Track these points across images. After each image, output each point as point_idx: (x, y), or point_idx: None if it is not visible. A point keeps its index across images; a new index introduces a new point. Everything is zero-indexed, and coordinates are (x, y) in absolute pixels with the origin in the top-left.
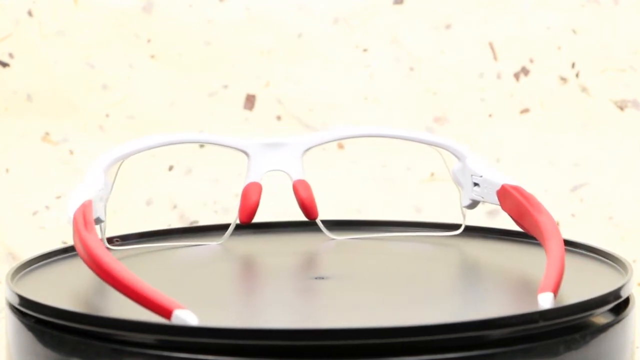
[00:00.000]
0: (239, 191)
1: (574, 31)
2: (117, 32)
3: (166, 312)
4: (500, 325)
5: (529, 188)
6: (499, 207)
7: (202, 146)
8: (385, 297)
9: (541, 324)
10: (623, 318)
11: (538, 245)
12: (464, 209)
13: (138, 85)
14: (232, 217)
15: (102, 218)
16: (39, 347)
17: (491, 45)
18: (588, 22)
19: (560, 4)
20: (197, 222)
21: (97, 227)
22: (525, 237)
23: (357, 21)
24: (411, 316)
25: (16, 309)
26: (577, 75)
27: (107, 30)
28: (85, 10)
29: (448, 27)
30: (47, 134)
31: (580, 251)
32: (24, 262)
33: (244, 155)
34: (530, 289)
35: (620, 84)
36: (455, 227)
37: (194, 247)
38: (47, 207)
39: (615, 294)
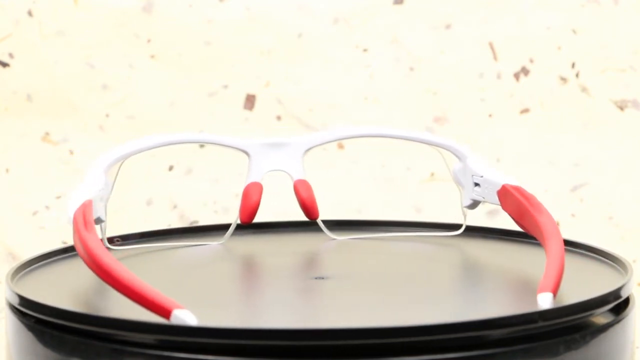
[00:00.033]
0: (239, 191)
1: (574, 31)
2: (117, 32)
3: (165, 312)
4: (500, 325)
5: (529, 188)
6: (499, 207)
7: (202, 146)
8: (385, 297)
9: (540, 324)
10: (623, 318)
11: (538, 246)
12: (464, 209)
13: (138, 85)
14: (232, 217)
15: (103, 218)
16: (39, 347)
17: (491, 45)
18: (588, 22)
19: (560, 4)
20: (197, 222)
21: (98, 227)
22: (526, 237)
23: (357, 21)
24: (411, 316)
25: (16, 309)
26: (577, 75)
27: (107, 30)
28: (85, 10)
29: (448, 27)
30: (47, 134)
31: (580, 251)
32: (24, 262)
33: (244, 155)
34: (530, 289)
35: (620, 84)
36: (456, 227)
37: (194, 247)
38: (47, 207)
39: (615, 294)
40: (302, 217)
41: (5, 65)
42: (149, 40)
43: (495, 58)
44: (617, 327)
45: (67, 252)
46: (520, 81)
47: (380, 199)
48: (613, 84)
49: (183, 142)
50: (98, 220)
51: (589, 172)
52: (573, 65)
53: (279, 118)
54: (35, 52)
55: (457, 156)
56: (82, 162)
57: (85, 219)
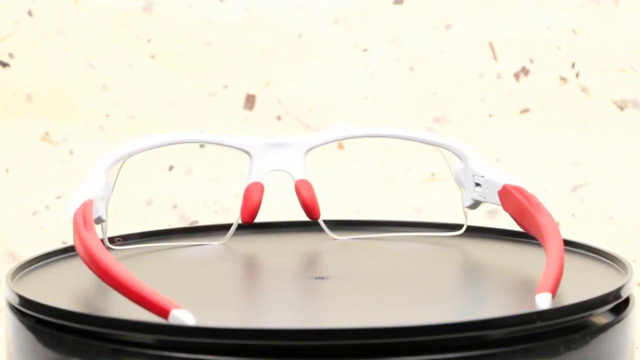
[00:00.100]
0: (239, 191)
1: (574, 31)
2: (117, 32)
3: (163, 312)
4: (499, 326)
5: (529, 188)
6: (499, 207)
7: (202, 146)
8: (386, 297)
9: (539, 324)
10: (623, 318)
11: (538, 246)
12: (465, 209)
13: (138, 85)
14: (232, 217)
15: (104, 218)
16: (39, 347)
17: (491, 45)
18: (588, 22)
19: (560, 4)
20: (197, 222)
21: (99, 226)
22: (526, 237)
23: (357, 21)
24: (411, 316)
25: (16, 309)
26: (577, 75)
27: (107, 30)
28: (85, 10)
29: (448, 27)
30: (47, 134)
31: (580, 251)
32: (24, 262)
33: (244, 155)
34: (530, 289)
35: (620, 84)
36: (457, 227)
37: (195, 247)
38: (47, 207)
39: (615, 294)
40: (303, 217)
41: (5, 65)
42: (149, 40)
43: (495, 58)
44: (617, 327)
45: (67, 252)
46: (520, 81)
47: (380, 199)
48: (613, 84)
49: (185, 142)
50: (99, 220)
51: (589, 172)
52: (573, 65)
53: (279, 118)
54: (35, 52)
55: (458, 156)
56: (82, 162)
57: (85, 218)
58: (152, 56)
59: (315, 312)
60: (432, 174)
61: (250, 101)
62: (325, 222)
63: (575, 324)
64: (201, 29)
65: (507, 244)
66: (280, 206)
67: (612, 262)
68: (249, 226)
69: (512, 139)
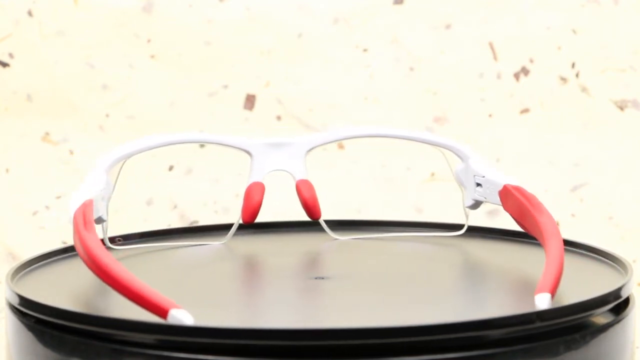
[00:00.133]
0: (239, 191)
1: (574, 31)
2: (117, 32)
3: (162, 312)
4: (498, 326)
5: (529, 188)
6: (499, 207)
7: (202, 146)
8: (386, 297)
9: (538, 324)
10: (623, 318)
11: (538, 246)
12: (466, 209)
13: (138, 85)
14: (232, 217)
15: (104, 217)
16: (39, 347)
17: (491, 45)
18: (588, 22)
19: (560, 4)
20: (197, 222)
21: (99, 226)
22: (526, 237)
23: (357, 21)
24: (411, 316)
25: (16, 309)
26: (577, 75)
27: (107, 30)
28: (85, 10)
29: (448, 27)
30: (47, 134)
31: (580, 251)
32: (24, 262)
33: (244, 155)
34: (530, 289)
35: (620, 84)
36: (458, 227)
37: (195, 247)
38: (47, 207)
39: (615, 294)
40: (303, 217)
41: (5, 65)
42: (149, 40)
43: (495, 58)
44: (617, 327)
45: (67, 252)
46: (520, 81)
47: (380, 199)
48: (613, 84)
49: (186, 142)
50: (99, 220)
51: (589, 172)
52: (573, 65)
53: (279, 118)
54: (35, 52)
55: (459, 156)
56: (82, 162)
57: (85, 218)
58: (152, 56)
59: (315, 312)
60: (432, 174)
61: (250, 101)
62: (326, 222)
63: (575, 324)
64: (201, 29)
65: (508, 244)
66: (280, 206)
67: (612, 262)
68: (250, 226)
69: (512, 139)
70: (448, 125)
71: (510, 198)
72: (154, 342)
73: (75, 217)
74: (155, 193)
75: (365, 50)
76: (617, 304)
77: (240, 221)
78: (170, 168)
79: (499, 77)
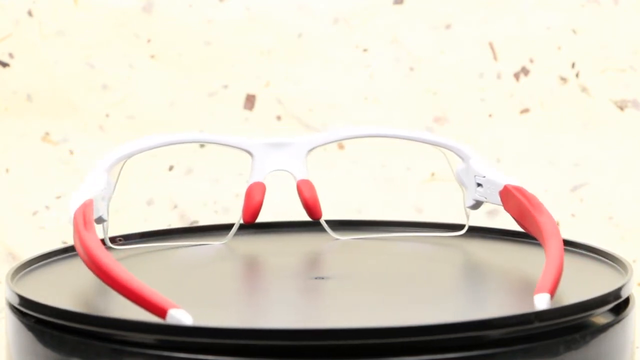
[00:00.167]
0: (240, 191)
1: (574, 31)
2: (117, 32)
3: (161, 312)
4: (497, 326)
5: (529, 188)
6: (499, 207)
7: (202, 146)
8: (386, 297)
9: (537, 324)
10: (623, 318)
11: (538, 246)
12: (467, 209)
13: (138, 85)
14: (232, 217)
15: (105, 217)
16: (39, 347)
17: (491, 45)
18: (588, 22)
19: (560, 4)
20: (197, 222)
21: (100, 226)
22: (526, 237)
23: (357, 21)
24: (411, 316)
25: (16, 309)
26: (577, 75)
27: (107, 30)
28: (85, 10)
29: (448, 27)
30: (47, 134)
31: (580, 251)
32: (24, 262)
33: (244, 155)
34: (530, 289)
35: (620, 84)
36: (458, 227)
37: (196, 247)
38: (47, 207)
39: (615, 294)
40: (304, 217)
41: (5, 65)
42: (149, 40)
43: (495, 58)
44: (617, 327)
45: (67, 252)
46: (520, 81)
47: (380, 199)
48: (613, 84)
49: (186, 142)
50: (100, 220)
51: (589, 172)
52: (573, 65)
53: (279, 118)
54: (35, 52)
55: (460, 156)
56: (82, 162)
57: (85, 218)
58: (152, 56)
59: (315, 312)
60: (432, 174)
61: (250, 101)
62: (327, 222)
63: (575, 324)
64: (201, 29)
65: (508, 244)
66: (281, 206)
67: (612, 262)
68: (251, 226)
69: (512, 139)
70: (448, 125)
71: (511, 198)
72: (154, 342)
73: (75, 217)
74: (155, 193)
75: (365, 50)
76: (617, 304)
77: (241, 221)
78: (171, 168)
79: (499, 77)
